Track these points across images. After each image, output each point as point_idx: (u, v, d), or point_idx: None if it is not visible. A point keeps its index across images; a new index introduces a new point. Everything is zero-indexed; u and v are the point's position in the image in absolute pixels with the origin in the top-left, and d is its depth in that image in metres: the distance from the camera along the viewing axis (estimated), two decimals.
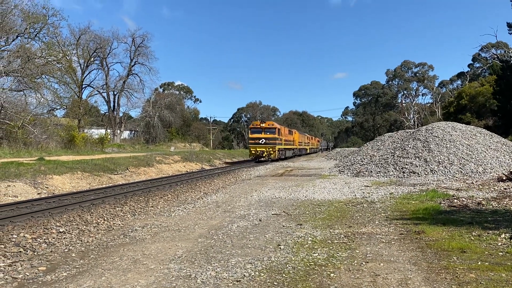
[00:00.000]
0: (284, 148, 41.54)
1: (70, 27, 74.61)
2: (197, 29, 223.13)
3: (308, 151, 66.15)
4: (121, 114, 62.97)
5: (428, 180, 16.88)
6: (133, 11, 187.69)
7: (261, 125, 37.39)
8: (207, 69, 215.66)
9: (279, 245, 6.76)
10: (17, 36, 36.60)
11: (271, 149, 36.41)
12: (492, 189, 13.26)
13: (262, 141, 36.35)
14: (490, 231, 7.23)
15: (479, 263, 5.51)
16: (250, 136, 37.93)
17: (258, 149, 36.45)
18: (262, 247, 6.69)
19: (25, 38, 37.75)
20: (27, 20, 36.25)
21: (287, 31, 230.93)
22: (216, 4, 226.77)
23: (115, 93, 60.70)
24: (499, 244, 6.44)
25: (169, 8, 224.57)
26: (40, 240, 7.32)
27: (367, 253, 6.16)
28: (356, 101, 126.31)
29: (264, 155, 36.49)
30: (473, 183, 15.03)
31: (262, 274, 5.26)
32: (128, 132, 70.09)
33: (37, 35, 39.06)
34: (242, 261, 5.83)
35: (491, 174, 17.35)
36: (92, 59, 55.40)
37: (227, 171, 24.99)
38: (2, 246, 6.81)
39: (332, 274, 5.20)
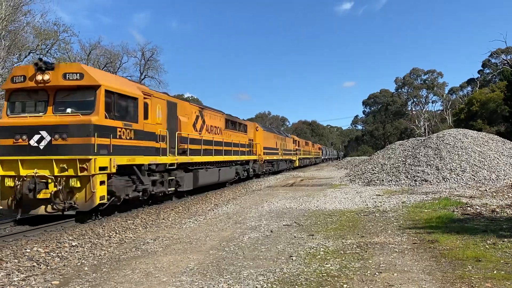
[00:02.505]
0: (188, 165, 15.64)
1: (81, 42, 75.56)
2: (205, 41, 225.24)
3: (297, 164, 45.67)
4: None
5: (441, 188, 16.69)
6: (142, 25, 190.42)
7: (40, 77, 10.06)
8: (216, 80, 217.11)
9: (291, 256, 6.72)
10: (29, 53, 37.31)
11: (67, 168, 9.80)
12: (506, 196, 13.08)
13: (40, 140, 9.98)
14: (506, 239, 7.12)
15: (495, 272, 5.42)
16: None
17: (23, 172, 9.89)
18: (274, 258, 6.65)
19: (37, 54, 38.44)
20: (39, 37, 37.01)
21: (295, 41, 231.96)
22: (224, 16, 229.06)
23: None
24: None
25: (178, 21, 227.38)
26: (53, 254, 7.37)
27: (380, 263, 6.10)
28: (365, 109, 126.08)
29: (43, 195, 9.75)
30: (486, 191, 14.84)
31: (275, 286, 5.22)
32: None
33: (49, 51, 39.84)
34: (254, 273, 5.80)
35: (504, 181, 17.12)
36: None
37: (236, 182, 24.90)
38: (16, 260, 6.87)
39: (345, 285, 5.15)
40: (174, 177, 14.61)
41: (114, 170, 10.51)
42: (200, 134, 17.24)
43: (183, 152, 15.11)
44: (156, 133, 13.06)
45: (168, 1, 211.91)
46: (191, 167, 15.99)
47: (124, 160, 11.12)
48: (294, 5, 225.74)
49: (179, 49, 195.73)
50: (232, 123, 22.88)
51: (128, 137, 11.50)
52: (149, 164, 12.56)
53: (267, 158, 30.53)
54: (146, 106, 12.48)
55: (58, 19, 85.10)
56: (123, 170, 11.24)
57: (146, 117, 12.43)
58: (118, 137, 10.96)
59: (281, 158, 36.34)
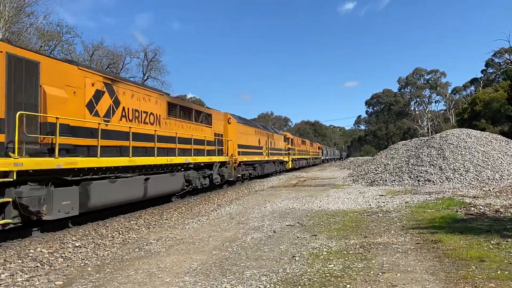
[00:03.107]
0: None
1: (84, 43, 76.10)
2: (207, 41, 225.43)
3: (290, 166, 39.60)
4: None
5: (444, 188, 16.64)
6: (145, 26, 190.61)
7: None
8: (218, 80, 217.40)
9: (294, 256, 6.71)
10: None
11: None
12: (510, 196, 13.02)
13: None
14: (510, 239, 7.09)
15: (499, 272, 5.39)
16: None
17: None
18: (277, 258, 6.65)
19: None
20: (42, 38, 37.16)
21: (297, 41, 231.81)
22: (226, 17, 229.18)
23: None
24: None
25: (180, 22, 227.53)
26: (57, 255, 7.39)
27: (383, 264, 6.08)
28: (368, 109, 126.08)
29: None
30: (490, 190, 14.78)
31: (278, 287, 5.22)
32: None
33: (52, 52, 39.91)
34: (257, 273, 5.80)
35: (508, 181, 17.05)
36: None
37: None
38: (20, 261, 6.89)
39: (348, 286, 5.14)
40: (13, 198, 7.68)
41: None
42: (106, 121, 10.81)
43: (50, 150, 8.77)
44: None
45: (170, 2, 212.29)
46: (75, 177, 9.40)
47: None
48: (296, 5, 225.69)
49: (181, 49, 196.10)
50: (184, 110, 15.80)
51: None
52: None
53: (245, 159, 23.79)
54: None
55: (61, 20, 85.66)
56: None
57: None
58: None
59: (266, 159, 29.26)
